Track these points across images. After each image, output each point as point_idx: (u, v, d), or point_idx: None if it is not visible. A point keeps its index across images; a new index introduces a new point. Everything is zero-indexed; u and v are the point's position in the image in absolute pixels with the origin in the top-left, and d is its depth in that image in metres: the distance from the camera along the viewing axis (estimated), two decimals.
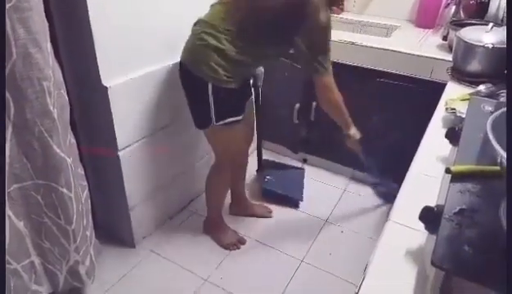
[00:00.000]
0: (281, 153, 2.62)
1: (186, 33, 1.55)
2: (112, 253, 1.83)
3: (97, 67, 1.44)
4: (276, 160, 2.46)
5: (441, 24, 2.29)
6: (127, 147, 1.66)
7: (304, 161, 2.59)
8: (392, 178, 2.19)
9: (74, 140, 1.46)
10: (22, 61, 1.16)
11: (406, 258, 0.80)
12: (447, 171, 0.83)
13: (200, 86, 1.51)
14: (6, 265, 1.31)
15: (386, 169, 2.23)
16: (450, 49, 1.96)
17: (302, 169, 2.40)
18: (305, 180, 2.35)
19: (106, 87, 1.48)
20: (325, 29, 1.48)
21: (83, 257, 1.52)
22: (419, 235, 0.84)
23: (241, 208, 2.10)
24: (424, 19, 2.35)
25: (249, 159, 2.07)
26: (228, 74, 1.49)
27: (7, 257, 1.31)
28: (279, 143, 2.60)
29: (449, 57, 1.84)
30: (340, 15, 2.53)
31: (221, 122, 1.57)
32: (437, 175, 1.04)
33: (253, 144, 2.28)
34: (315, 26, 1.46)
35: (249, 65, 1.59)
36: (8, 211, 1.29)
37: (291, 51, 1.60)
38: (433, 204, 0.77)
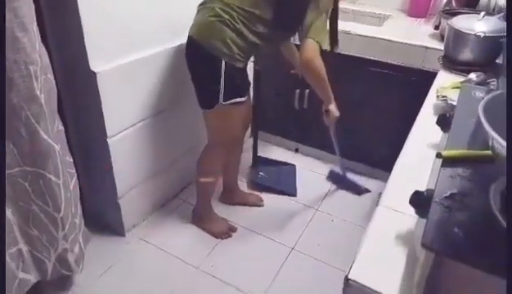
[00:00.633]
0: (273, 142, 2.62)
1: (177, 17, 1.53)
2: (101, 242, 1.82)
3: (85, 52, 1.42)
4: (269, 156, 2.47)
5: (433, 13, 2.29)
6: (116, 134, 1.63)
7: (296, 150, 2.59)
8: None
9: (62, 127, 1.43)
10: (9, 45, 1.13)
11: (397, 242, 0.80)
12: (438, 155, 0.83)
13: (212, 63, 1.51)
14: None
15: (374, 158, 2.25)
16: (441, 38, 1.96)
17: (293, 165, 2.41)
18: (297, 173, 2.35)
19: (95, 73, 1.46)
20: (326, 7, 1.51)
21: (71, 245, 1.51)
22: (409, 220, 0.85)
23: (233, 197, 2.10)
24: (416, 8, 2.34)
25: (243, 155, 2.07)
26: (241, 53, 1.52)
27: None
28: (273, 133, 2.60)
29: (441, 46, 1.84)
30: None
31: (227, 102, 1.57)
32: (428, 161, 1.04)
33: (249, 140, 2.30)
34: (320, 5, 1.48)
35: (259, 47, 1.58)
36: None
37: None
38: (423, 189, 0.78)
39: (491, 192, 0.73)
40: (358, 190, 2.21)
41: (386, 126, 2.14)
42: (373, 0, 2.53)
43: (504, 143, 0.59)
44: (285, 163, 2.43)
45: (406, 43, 1.98)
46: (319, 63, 1.55)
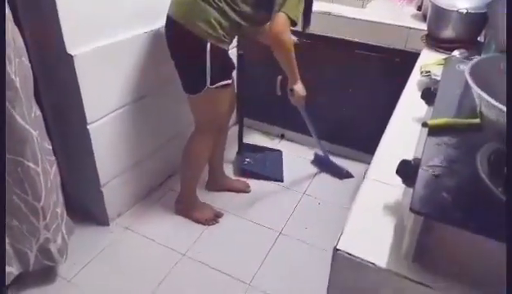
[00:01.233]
0: (259, 128, 2.60)
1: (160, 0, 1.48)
2: (85, 232, 1.77)
3: (61, 33, 1.36)
4: (254, 142, 2.45)
5: None
6: (97, 120, 1.59)
7: (282, 136, 2.57)
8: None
9: (39, 112, 1.38)
10: None
11: (384, 213, 0.79)
12: (424, 124, 0.82)
13: (197, 45, 1.47)
14: None
15: (358, 141, 2.25)
16: (424, 18, 1.96)
17: (279, 151, 2.39)
18: (283, 159, 2.34)
19: (72, 56, 1.40)
20: None
21: (53, 235, 1.46)
22: (396, 191, 0.84)
23: (219, 184, 2.07)
24: None
25: (229, 142, 2.05)
26: (225, 34, 1.49)
27: None
28: (258, 119, 2.58)
29: (423, 26, 1.84)
30: None
31: (214, 86, 1.53)
32: (413, 134, 1.03)
33: (235, 128, 2.27)
34: None
35: (242, 27, 1.55)
36: None
37: None
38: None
39: (477, 158, 0.72)
40: (340, 174, 2.22)
41: (369, 108, 2.14)
42: None
43: (491, 100, 0.58)
44: (272, 149, 2.41)
45: (389, 24, 1.98)
46: (288, 37, 1.52)
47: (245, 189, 2.09)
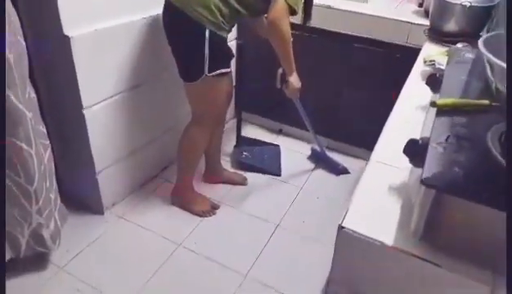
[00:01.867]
0: (257, 123, 2.57)
1: None
2: (79, 220, 1.73)
3: (58, 14, 1.33)
4: (253, 136, 2.43)
5: None
6: (93, 105, 1.55)
7: (280, 131, 2.55)
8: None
9: (34, 95, 1.35)
10: None
11: (390, 192, 0.77)
12: (433, 104, 0.80)
13: (196, 32, 1.44)
14: None
15: (358, 137, 2.23)
16: (426, 14, 1.96)
17: (277, 146, 2.37)
18: (281, 154, 2.32)
19: (69, 37, 1.37)
20: None
21: (46, 220, 1.43)
22: (401, 173, 0.82)
23: (216, 176, 2.04)
24: None
25: (227, 135, 2.01)
26: (225, 21, 1.47)
27: None
28: (256, 113, 2.55)
29: (425, 22, 1.83)
30: None
31: (212, 73, 1.51)
32: (417, 121, 1.02)
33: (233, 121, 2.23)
34: None
35: (241, 15, 1.53)
36: None
37: None
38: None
39: (488, 136, 0.70)
40: (336, 170, 2.19)
41: (369, 104, 2.12)
42: None
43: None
44: (270, 144, 2.39)
45: (390, 19, 1.97)
46: (286, 24, 1.50)
47: (243, 182, 2.06)
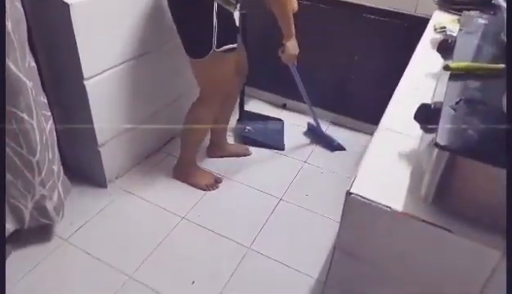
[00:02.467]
0: (260, 97, 2.54)
1: None
2: (82, 193, 1.73)
3: None
4: (257, 111, 2.39)
5: None
6: (94, 76, 1.52)
7: (284, 106, 2.52)
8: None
9: (34, 64, 1.32)
10: None
11: (399, 159, 0.75)
12: (446, 67, 0.77)
13: (204, 5, 1.40)
14: None
15: (364, 111, 2.19)
16: None
17: (281, 120, 2.34)
18: (285, 129, 2.29)
19: (68, 4, 1.33)
20: None
21: (49, 192, 1.42)
22: (410, 140, 0.80)
23: (220, 150, 2.02)
24: None
25: None
26: None
27: None
28: (260, 88, 2.51)
29: None
30: None
31: (221, 49, 1.47)
32: (428, 88, 0.99)
33: None
34: None
35: None
36: None
37: None
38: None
39: (503, 101, 0.68)
40: (331, 146, 2.15)
41: (376, 76, 2.08)
42: None
43: None
44: (273, 118, 2.36)
45: None
46: None
47: (246, 153, 2.05)
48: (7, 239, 1.42)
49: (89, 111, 1.56)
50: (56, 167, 1.48)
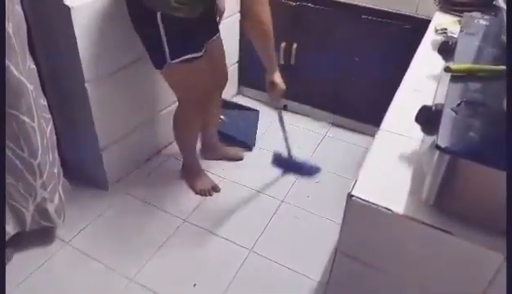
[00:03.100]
0: (260, 99, 2.53)
1: None
2: (83, 196, 1.73)
3: None
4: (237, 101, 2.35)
5: None
6: (96, 79, 1.52)
7: (284, 107, 2.51)
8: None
9: (34, 66, 1.32)
10: None
11: (400, 161, 0.75)
12: (447, 69, 0.77)
13: (148, 17, 1.31)
14: None
15: (363, 112, 2.19)
16: None
17: (257, 111, 2.30)
18: (259, 123, 2.25)
19: (69, 7, 1.33)
20: None
21: (51, 194, 1.42)
22: (411, 142, 0.79)
23: (212, 153, 2.00)
24: None
25: None
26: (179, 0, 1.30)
27: None
28: (259, 89, 2.51)
29: None
30: None
31: (177, 60, 1.38)
32: (428, 89, 0.99)
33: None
34: None
35: None
36: None
37: None
38: None
39: (504, 103, 0.67)
40: (305, 170, 1.98)
41: (376, 78, 2.08)
42: None
43: None
44: (250, 109, 2.32)
45: None
46: (268, 13, 1.34)
47: (239, 156, 2.02)
48: (9, 242, 1.42)
49: (90, 114, 1.56)
50: (57, 169, 1.48)
